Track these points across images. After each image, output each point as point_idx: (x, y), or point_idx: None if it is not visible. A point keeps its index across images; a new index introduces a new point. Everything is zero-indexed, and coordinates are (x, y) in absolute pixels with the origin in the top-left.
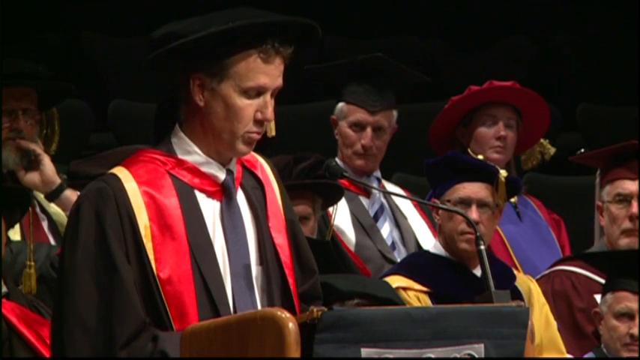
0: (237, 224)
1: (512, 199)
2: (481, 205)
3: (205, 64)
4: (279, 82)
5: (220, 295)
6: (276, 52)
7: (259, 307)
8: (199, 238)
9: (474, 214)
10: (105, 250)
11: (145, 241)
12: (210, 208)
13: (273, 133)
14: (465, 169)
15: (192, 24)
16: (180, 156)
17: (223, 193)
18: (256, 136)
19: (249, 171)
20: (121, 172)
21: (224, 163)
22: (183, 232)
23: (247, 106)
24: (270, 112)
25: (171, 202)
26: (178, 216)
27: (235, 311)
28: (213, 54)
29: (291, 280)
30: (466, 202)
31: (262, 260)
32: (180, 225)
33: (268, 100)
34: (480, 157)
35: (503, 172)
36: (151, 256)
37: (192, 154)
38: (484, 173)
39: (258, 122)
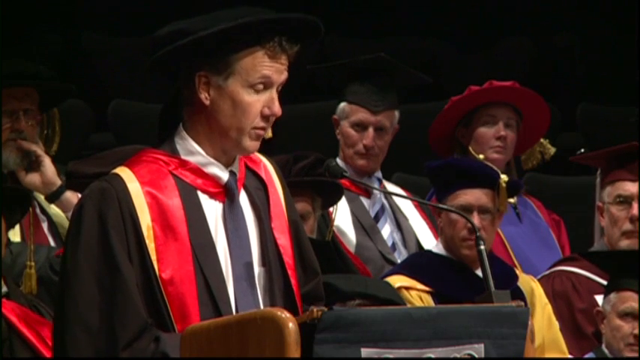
0: (239, 225)
1: (512, 200)
2: (482, 211)
3: (212, 62)
4: (284, 76)
5: (222, 296)
6: (282, 49)
7: (261, 308)
8: (202, 238)
9: (475, 220)
10: (107, 250)
11: (147, 241)
12: (212, 209)
13: (270, 134)
14: (465, 175)
15: (198, 22)
16: (183, 156)
17: (226, 194)
18: (262, 132)
19: (252, 171)
20: (123, 172)
21: (228, 164)
22: (186, 232)
23: (255, 101)
24: (277, 107)
25: (174, 202)
26: (181, 216)
27: (237, 312)
28: (220, 51)
29: (293, 281)
30: (467, 209)
31: (265, 261)
32: (182, 226)
33: (275, 95)
34: (481, 156)
35: (504, 177)
36: (154, 257)
37: (196, 154)
38: (485, 179)
39: (265, 117)
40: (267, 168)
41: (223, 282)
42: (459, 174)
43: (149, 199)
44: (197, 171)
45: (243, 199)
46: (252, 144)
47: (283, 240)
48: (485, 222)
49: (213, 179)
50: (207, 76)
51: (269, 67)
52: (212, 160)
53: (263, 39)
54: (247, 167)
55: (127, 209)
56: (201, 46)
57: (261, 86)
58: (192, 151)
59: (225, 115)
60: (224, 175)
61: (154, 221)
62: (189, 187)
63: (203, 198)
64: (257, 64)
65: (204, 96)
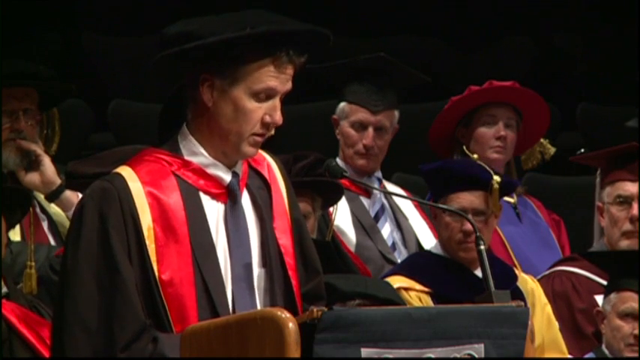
0: (240, 227)
1: (512, 200)
2: (476, 213)
3: (218, 66)
4: (288, 86)
5: (221, 299)
6: (289, 60)
7: (259, 309)
8: (202, 240)
9: (469, 223)
10: (107, 251)
11: (147, 242)
12: (214, 211)
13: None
14: (458, 178)
15: (207, 24)
16: (186, 157)
17: (228, 196)
18: (261, 139)
19: (255, 170)
20: (125, 171)
21: (230, 165)
22: (186, 234)
23: (257, 109)
24: (278, 116)
25: (176, 203)
26: (182, 218)
27: (235, 314)
28: (228, 58)
29: (294, 282)
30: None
31: (265, 262)
32: (183, 227)
33: (277, 103)
34: (475, 156)
35: (496, 178)
36: (153, 258)
37: (198, 155)
38: (478, 182)
39: (266, 125)
40: (271, 166)
41: (222, 284)
42: (452, 177)
43: (150, 199)
44: (199, 172)
45: (246, 199)
46: (250, 149)
47: (285, 240)
48: (480, 224)
49: (216, 180)
50: (212, 79)
51: (275, 77)
52: (215, 161)
53: (272, 50)
54: (250, 166)
55: (128, 209)
56: (208, 50)
57: (264, 95)
58: (196, 151)
59: (226, 119)
60: (226, 177)
61: (154, 222)
62: (191, 187)
63: (205, 199)
64: (263, 74)
65: (207, 97)
